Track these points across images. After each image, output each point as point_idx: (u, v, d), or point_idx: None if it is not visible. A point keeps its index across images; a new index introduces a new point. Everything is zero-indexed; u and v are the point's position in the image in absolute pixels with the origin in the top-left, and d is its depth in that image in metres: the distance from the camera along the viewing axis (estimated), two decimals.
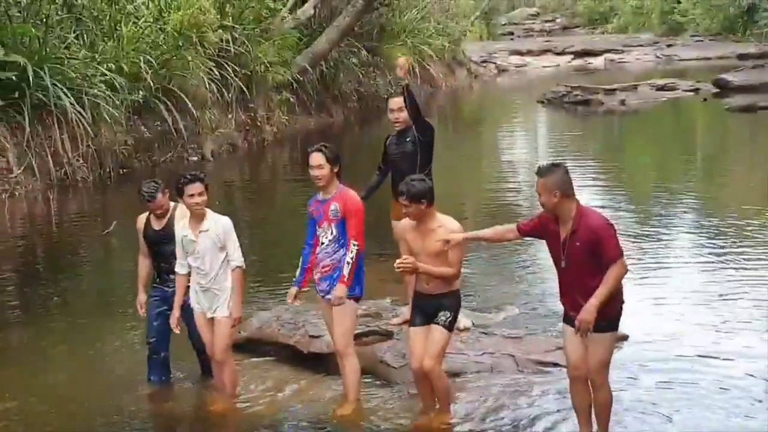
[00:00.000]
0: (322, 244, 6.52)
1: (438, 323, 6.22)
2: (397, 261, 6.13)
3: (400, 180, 6.97)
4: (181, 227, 6.74)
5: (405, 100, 7.61)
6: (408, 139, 7.78)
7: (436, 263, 6.14)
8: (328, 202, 6.47)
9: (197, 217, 6.63)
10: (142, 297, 7.23)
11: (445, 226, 6.16)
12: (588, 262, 5.53)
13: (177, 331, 6.89)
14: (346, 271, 6.38)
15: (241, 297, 6.68)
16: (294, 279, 6.67)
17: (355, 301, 6.57)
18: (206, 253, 6.61)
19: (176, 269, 6.82)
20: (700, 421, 6.33)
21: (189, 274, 6.76)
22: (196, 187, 6.55)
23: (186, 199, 6.60)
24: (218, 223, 6.64)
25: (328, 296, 6.51)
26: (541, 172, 5.64)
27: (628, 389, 6.82)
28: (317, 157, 6.45)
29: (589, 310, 5.47)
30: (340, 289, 6.39)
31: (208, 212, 6.68)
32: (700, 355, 7.46)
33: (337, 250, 6.46)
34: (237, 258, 6.64)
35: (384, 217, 7.91)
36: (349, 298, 6.47)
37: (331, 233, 6.46)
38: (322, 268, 6.50)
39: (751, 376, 7.01)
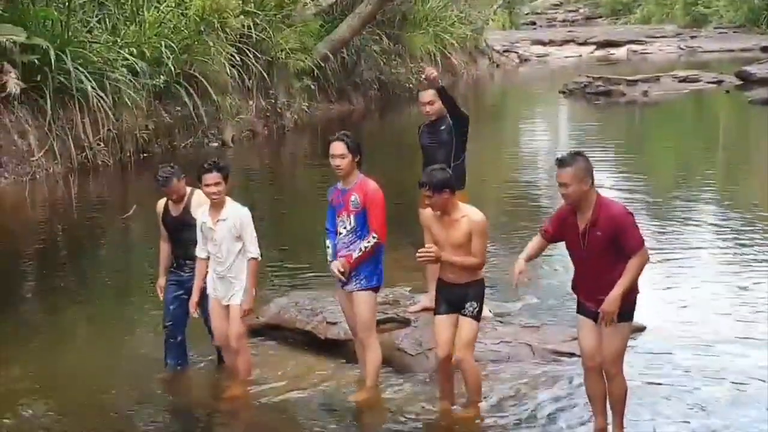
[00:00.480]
0: (340, 234, 6.52)
1: (466, 315, 6.21)
2: (420, 250, 6.12)
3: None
4: (201, 213, 6.77)
5: (442, 101, 7.65)
6: (443, 128, 7.77)
7: (459, 253, 6.13)
8: (348, 192, 6.46)
9: (216, 206, 6.65)
10: (161, 281, 7.26)
11: (469, 216, 6.13)
12: (608, 253, 5.50)
13: (195, 315, 6.92)
14: (356, 254, 6.38)
15: (254, 288, 6.69)
16: (328, 261, 6.63)
17: (374, 292, 6.56)
18: (223, 242, 6.63)
19: (196, 253, 6.84)
20: (718, 412, 6.30)
21: (209, 259, 6.78)
22: (213, 177, 6.56)
23: (204, 188, 6.63)
24: (237, 214, 6.65)
25: (346, 286, 6.51)
26: (567, 161, 5.56)
27: (644, 380, 6.79)
28: (338, 146, 6.44)
29: (613, 300, 5.45)
30: (341, 264, 6.40)
31: (228, 201, 6.69)
32: (718, 345, 7.43)
33: (354, 241, 6.45)
34: (253, 250, 6.65)
35: (409, 204, 7.91)
36: (367, 289, 6.47)
37: (350, 224, 6.46)
38: (339, 258, 6.50)
39: (765, 368, 6.96)
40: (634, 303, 5.68)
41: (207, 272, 6.80)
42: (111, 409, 6.71)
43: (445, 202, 6.12)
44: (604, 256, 5.52)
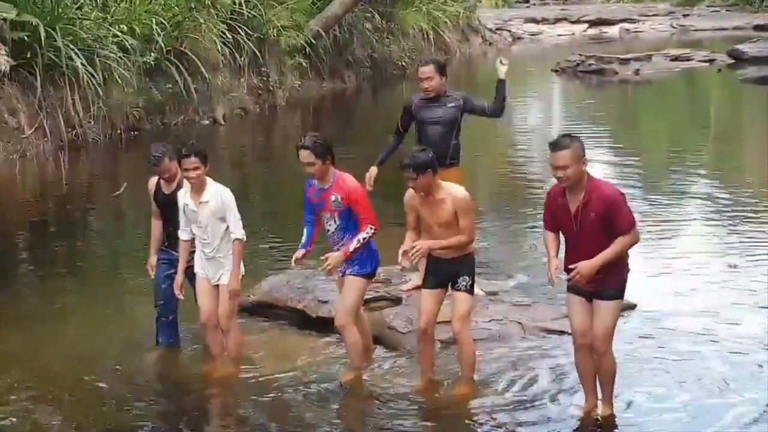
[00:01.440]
0: (327, 231, 6.51)
1: (460, 289, 6.23)
2: (406, 251, 6.09)
3: (431, 147, 6.95)
4: (183, 195, 6.74)
5: (498, 96, 8.19)
6: (452, 106, 7.71)
7: (448, 232, 6.12)
8: (327, 191, 6.41)
9: (197, 188, 6.62)
10: (153, 259, 7.23)
11: (452, 194, 6.12)
12: (600, 233, 5.50)
13: (180, 297, 6.90)
14: (352, 246, 6.33)
15: (239, 269, 6.67)
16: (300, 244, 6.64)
17: (366, 279, 6.54)
18: (208, 224, 6.62)
19: (179, 235, 6.83)
20: (705, 391, 6.31)
21: (192, 240, 6.77)
22: (191, 162, 6.51)
23: (183, 173, 6.62)
24: (218, 196, 6.62)
25: (344, 273, 6.50)
26: (563, 144, 5.51)
27: (635, 355, 6.82)
28: (305, 155, 6.34)
29: (591, 265, 5.47)
30: (337, 257, 6.35)
31: (210, 183, 6.65)
32: (707, 327, 7.43)
33: (343, 237, 6.43)
34: (237, 231, 6.63)
35: (399, 183, 7.87)
36: (360, 275, 6.46)
37: (335, 222, 6.43)
38: (336, 251, 6.47)
39: (755, 344, 7.01)
40: (625, 282, 5.69)
41: (193, 252, 6.78)
42: (98, 387, 6.69)
43: (428, 183, 6.09)
44: (597, 236, 5.52)
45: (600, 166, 14.02)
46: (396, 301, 7.69)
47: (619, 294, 5.68)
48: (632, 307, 7.71)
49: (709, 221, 10.75)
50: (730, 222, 10.61)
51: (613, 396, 5.84)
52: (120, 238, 11.26)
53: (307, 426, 6.06)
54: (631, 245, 5.57)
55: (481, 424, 6.01)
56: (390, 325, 7.33)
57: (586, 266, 5.48)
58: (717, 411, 6.01)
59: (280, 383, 6.63)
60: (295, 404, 6.35)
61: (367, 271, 6.50)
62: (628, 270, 5.70)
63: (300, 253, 6.58)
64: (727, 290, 8.28)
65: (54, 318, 8.13)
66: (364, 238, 6.32)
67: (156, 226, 7.25)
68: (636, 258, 9.29)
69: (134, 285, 8.65)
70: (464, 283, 6.24)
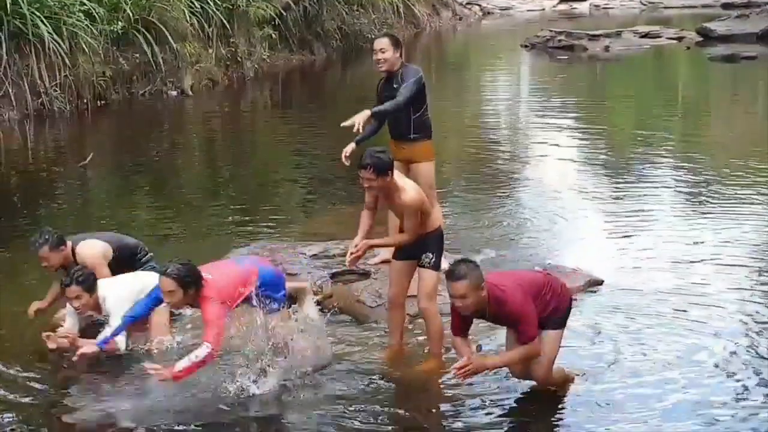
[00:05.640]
0: None
1: (424, 266, 6.27)
2: (349, 256, 6.17)
3: (395, 123, 7.30)
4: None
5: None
6: (395, 87, 7.60)
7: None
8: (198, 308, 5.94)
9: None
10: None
11: (402, 200, 6.08)
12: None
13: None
14: (182, 364, 5.65)
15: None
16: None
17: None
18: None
19: None
20: (678, 364, 6.37)
21: None
22: (72, 291, 6.39)
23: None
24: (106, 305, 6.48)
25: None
26: (461, 273, 5.28)
27: (604, 335, 6.88)
28: (167, 284, 5.75)
29: (484, 364, 5.54)
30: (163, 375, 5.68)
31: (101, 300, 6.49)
32: (676, 296, 7.54)
33: None
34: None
35: None
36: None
37: None
38: None
39: (719, 320, 7.09)
40: (568, 312, 5.72)
41: None
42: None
43: (386, 185, 6.06)
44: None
45: (567, 144, 14.11)
46: (365, 274, 7.69)
47: (561, 324, 5.69)
48: (599, 282, 7.79)
49: (675, 198, 10.81)
50: (696, 198, 10.68)
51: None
52: (86, 209, 11.13)
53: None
54: (528, 356, 5.52)
55: (450, 397, 6.03)
56: (359, 298, 7.34)
57: (478, 363, 5.47)
58: (683, 386, 6.06)
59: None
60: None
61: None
62: (569, 304, 5.73)
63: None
64: (694, 267, 8.34)
65: (17, 288, 8.04)
66: (197, 357, 5.66)
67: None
68: (602, 234, 9.41)
69: None
70: (428, 260, 6.27)
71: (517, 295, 5.43)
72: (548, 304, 5.59)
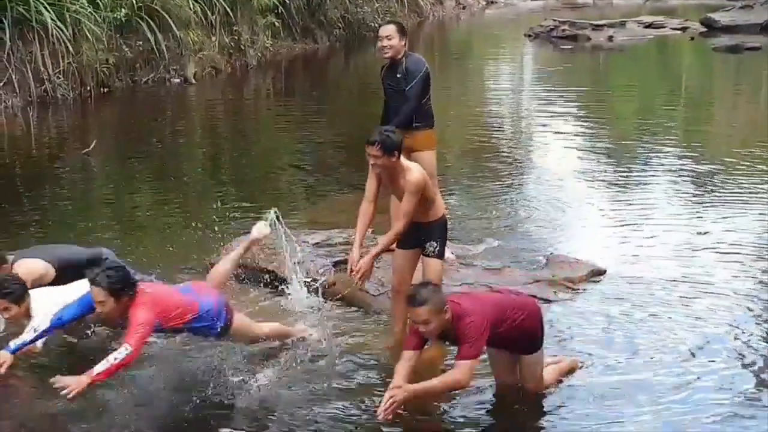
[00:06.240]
0: None
1: (428, 255, 6.27)
2: (351, 271, 6.15)
3: (394, 112, 7.26)
4: None
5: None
6: (398, 76, 7.58)
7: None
8: None
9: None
10: None
11: (407, 178, 6.03)
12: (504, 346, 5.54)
13: None
14: (100, 367, 5.29)
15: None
16: None
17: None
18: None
19: None
20: (682, 352, 6.39)
21: None
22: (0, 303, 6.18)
23: None
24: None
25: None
26: (422, 298, 5.13)
27: (607, 322, 6.90)
28: (96, 293, 5.49)
29: (407, 392, 5.14)
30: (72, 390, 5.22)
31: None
32: (680, 287, 7.54)
33: None
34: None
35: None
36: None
37: None
38: None
39: (726, 310, 7.08)
40: (542, 332, 5.64)
41: None
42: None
43: (390, 164, 6.02)
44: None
45: (570, 132, 14.08)
46: None
47: (537, 347, 5.63)
48: (603, 272, 7.79)
49: (678, 188, 10.79)
50: (700, 187, 10.67)
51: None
52: (89, 196, 11.14)
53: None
54: (452, 386, 5.30)
55: None
56: (361, 287, 7.31)
57: (400, 394, 5.12)
58: (685, 375, 6.07)
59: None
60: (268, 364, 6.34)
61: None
62: (540, 333, 5.62)
63: None
64: (697, 257, 8.34)
65: None
66: (116, 359, 5.33)
67: None
68: (605, 223, 9.40)
69: (100, 243, 8.57)
70: (432, 248, 6.27)
71: (476, 313, 5.24)
72: (520, 325, 5.44)
